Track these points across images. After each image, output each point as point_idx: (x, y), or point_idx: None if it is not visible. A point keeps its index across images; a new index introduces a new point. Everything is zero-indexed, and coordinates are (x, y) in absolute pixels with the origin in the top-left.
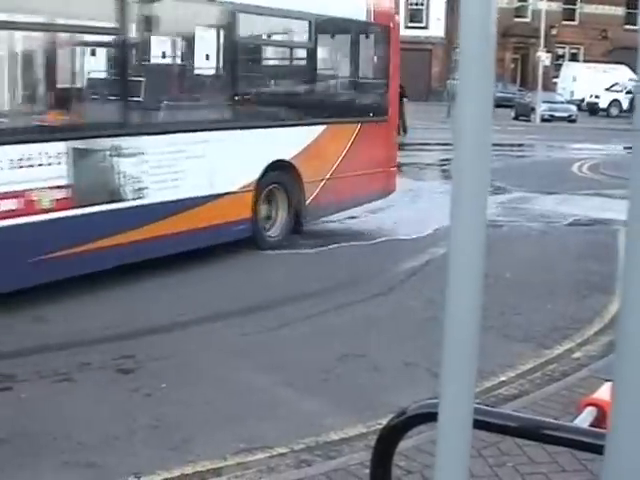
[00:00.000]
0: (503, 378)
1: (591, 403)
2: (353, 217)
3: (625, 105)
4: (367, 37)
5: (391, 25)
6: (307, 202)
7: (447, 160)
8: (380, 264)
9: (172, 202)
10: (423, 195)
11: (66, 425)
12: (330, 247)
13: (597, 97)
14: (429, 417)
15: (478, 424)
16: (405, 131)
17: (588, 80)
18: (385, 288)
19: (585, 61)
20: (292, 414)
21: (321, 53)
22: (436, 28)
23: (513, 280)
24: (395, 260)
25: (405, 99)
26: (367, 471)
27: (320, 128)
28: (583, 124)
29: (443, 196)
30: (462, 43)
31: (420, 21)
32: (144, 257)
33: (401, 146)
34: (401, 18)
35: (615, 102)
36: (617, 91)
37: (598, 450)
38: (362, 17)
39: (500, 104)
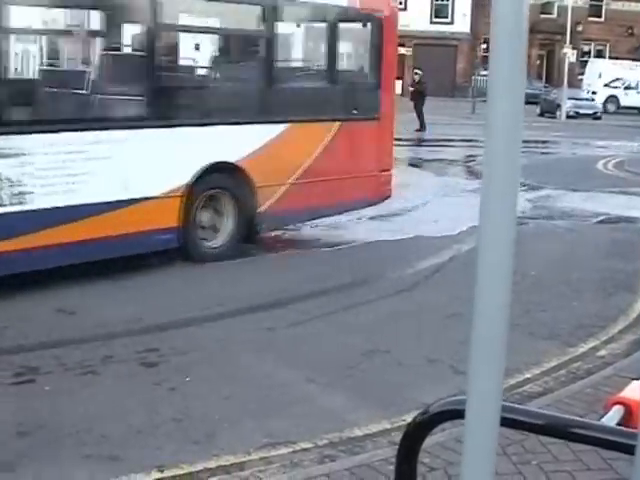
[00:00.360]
0: (528, 375)
1: (618, 402)
2: (379, 215)
3: (624, 102)
4: (351, 26)
5: (384, 14)
6: (263, 208)
7: (472, 157)
8: (405, 261)
9: (66, 208)
10: (449, 193)
11: (89, 418)
12: (354, 244)
13: (594, 93)
14: (456, 414)
15: (505, 422)
16: (424, 128)
17: (613, 77)
18: (409, 284)
19: (611, 58)
20: (316, 409)
21: (283, 42)
22: (461, 24)
23: (538, 278)
24: (419, 257)
25: (425, 97)
26: (391, 467)
27: (280, 127)
28: (608, 121)
29: (468, 194)
30: (493, 39)
31: (445, 17)
32: (31, 267)
33: (421, 142)
34: (426, 14)
35: (612, 98)
36: (615, 87)
37: (628, 450)
38: (343, 3)
39: (526, 101)
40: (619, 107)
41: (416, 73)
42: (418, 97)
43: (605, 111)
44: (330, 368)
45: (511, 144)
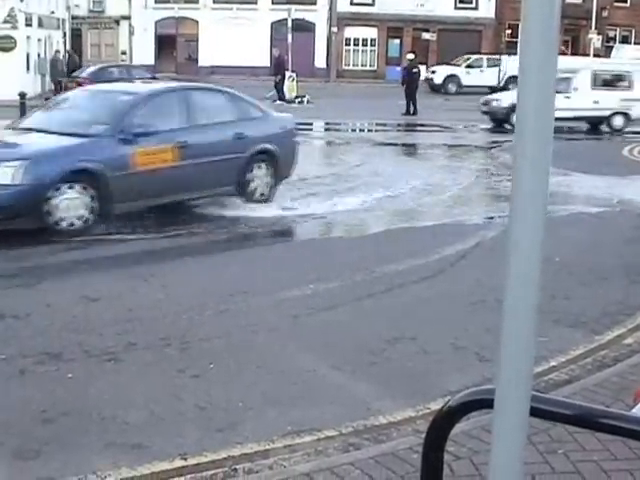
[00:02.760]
0: (553, 363)
1: None
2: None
3: None
4: None
5: None
6: None
7: (495, 143)
8: (430, 247)
9: None
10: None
11: (112, 405)
12: (381, 230)
13: None
14: (484, 404)
15: (534, 412)
16: (415, 112)
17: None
18: (434, 271)
19: (636, 43)
20: (340, 397)
21: None
22: (486, 9)
23: (563, 264)
24: (444, 243)
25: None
26: (416, 456)
27: None
28: None
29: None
30: (525, 22)
31: (470, 2)
32: None
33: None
34: None
35: None
36: None
37: None
38: None
39: None
40: None
41: (409, 59)
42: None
43: None
44: (355, 355)
45: (542, 129)
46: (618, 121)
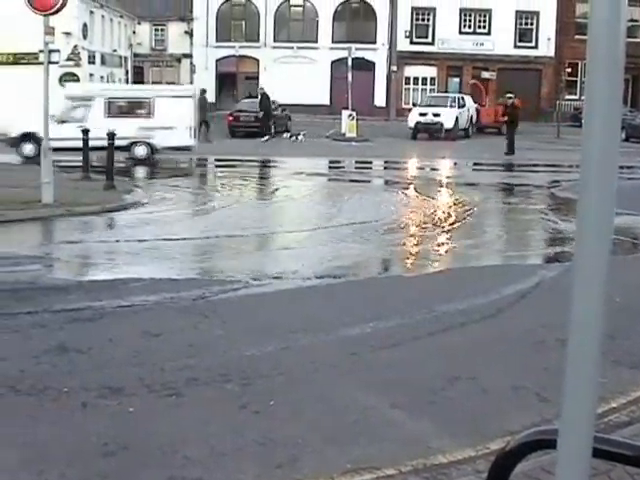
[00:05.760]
0: (614, 405)
1: None
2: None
3: None
4: None
5: None
6: None
7: (556, 182)
8: (490, 286)
9: None
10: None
11: (173, 440)
12: (440, 269)
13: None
14: (546, 444)
15: (595, 452)
16: (513, 152)
17: None
18: (494, 310)
19: None
20: (400, 435)
21: None
22: (545, 48)
23: (623, 304)
24: (505, 282)
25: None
26: None
27: None
28: None
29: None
30: (590, 65)
31: (529, 40)
32: None
33: (511, 167)
34: (510, 37)
35: None
36: None
37: None
38: None
39: None
40: None
41: (509, 97)
42: (510, 121)
43: None
44: (414, 394)
45: (607, 169)
46: (141, 151)
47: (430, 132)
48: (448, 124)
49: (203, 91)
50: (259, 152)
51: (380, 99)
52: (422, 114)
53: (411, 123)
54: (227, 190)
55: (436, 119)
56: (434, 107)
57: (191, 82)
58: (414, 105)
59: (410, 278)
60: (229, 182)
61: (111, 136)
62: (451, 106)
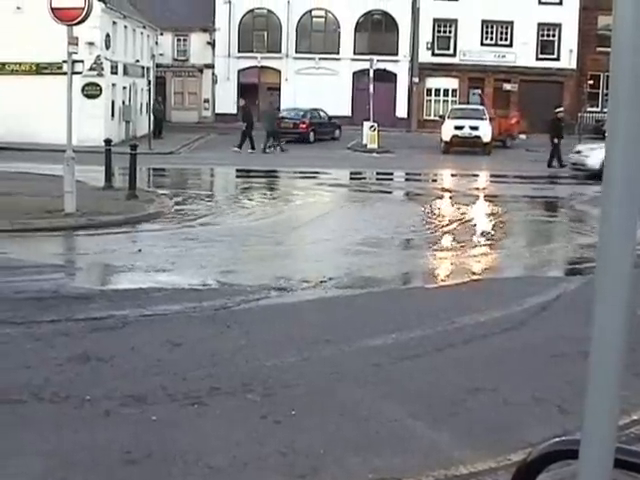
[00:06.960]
0: (635, 417)
1: None
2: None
3: None
4: None
5: None
6: None
7: (577, 194)
8: (512, 298)
9: None
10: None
11: (195, 448)
12: (462, 281)
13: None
14: (568, 454)
15: (617, 463)
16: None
17: None
18: (516, 322)
19: None
20: (421, 446)
21: None
22: (567, 60)
23: None
24: (527, 294)
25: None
26: None
27: None
28: None
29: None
30: (613, 77)
31: (551, 52)
32: None
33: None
34: (532, 50)
35: None
36: None
37: None
38: None
39: None
40: None
41: (559, 112)
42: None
43: None
44: (436, 405)
45: (631, 184)
46: None
47: (467, 146)
48: (486, 138)
49: (271, 104)
50: (275, 163)
51: (401, 110)
52: (458, 127)
53: (446, 137)
54: (250, 200)
55: (474, 132)
56: (468, 119)
57: (213, 93)
58: (441, 117)
59: (431, 289)
60: (249, 194)
61: (134, 147)
62: (483, 119)
